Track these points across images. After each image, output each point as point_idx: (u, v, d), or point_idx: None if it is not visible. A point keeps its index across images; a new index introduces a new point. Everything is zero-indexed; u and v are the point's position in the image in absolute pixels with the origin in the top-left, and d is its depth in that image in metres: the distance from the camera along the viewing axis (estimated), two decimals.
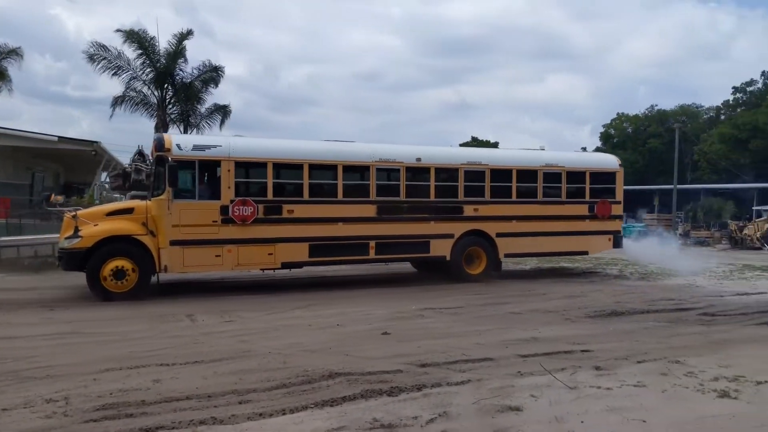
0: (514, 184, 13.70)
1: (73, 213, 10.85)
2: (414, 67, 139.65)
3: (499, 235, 13.45)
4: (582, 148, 68.26)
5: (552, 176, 14.10)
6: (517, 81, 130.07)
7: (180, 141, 11.14)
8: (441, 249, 12.94)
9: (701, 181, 50.51)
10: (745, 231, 26.73)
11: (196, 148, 11.07)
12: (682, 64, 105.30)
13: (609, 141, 63.37)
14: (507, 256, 13.94)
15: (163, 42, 27.99)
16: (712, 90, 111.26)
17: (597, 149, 63.02)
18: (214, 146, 11.22)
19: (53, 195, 13.22)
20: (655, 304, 10.43)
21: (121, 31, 27.17)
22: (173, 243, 10.76)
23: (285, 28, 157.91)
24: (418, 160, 12.88)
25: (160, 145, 10.91)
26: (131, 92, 27.87)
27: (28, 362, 6.30)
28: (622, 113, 64.92)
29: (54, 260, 14.20)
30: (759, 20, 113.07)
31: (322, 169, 12.07)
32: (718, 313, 9.58)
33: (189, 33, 28.39)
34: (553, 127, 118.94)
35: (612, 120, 65.60)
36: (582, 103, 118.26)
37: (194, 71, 28.70)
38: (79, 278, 13.40)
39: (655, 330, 8.29)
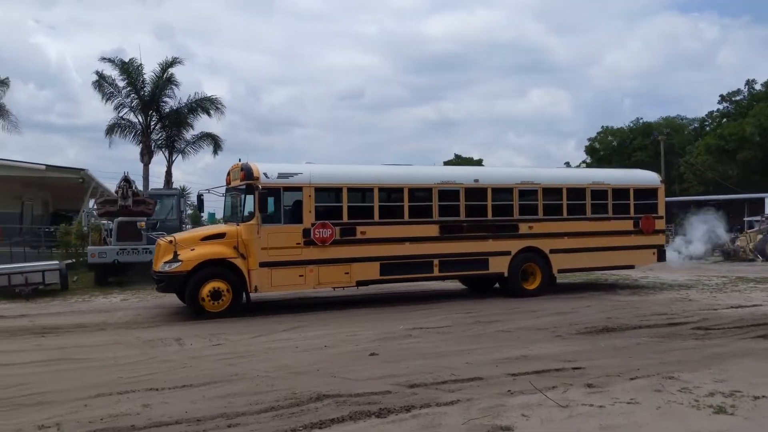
0: (564, 202, 14.20)
1: (171, 238, 11.39)
2: (395, 85, 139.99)
3: (552, 251, 13.86)
4: (565, 163, 68.30)
5: (599, 193, 14.55)
6: (499, 96, 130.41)
7: (266, 169, 11.68)
8: (499, 266, 13.38)
9: (688, 193, 49.58)
10: (738, 242, 26.61)
11: (281, 176, 11.73)
12: (665, 74, 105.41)
13: (595, 155, 63.20)
14: (560, 271, 14.31)
15: (148, 69, 28.04)
16: (697, 100, 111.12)
17: (584, 163, 63.03)
18: (296, 173, 11.92)
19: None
20: (647, 319, 10.36)
21: (111, 60, 27.30)
22: (262, 264, 11.38)
23: (261, 49, 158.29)
24: (476, 181, 13.48)
25: (249, 174, 11.48)
26: (121, 120, 27.96)
27: (20, 389, 6.25)
28: (607, 126, 64.30)
29: (43, 286, 14.81)
30: (742, 28, 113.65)
31: (390, 192, 12.79)
32: (712, 327, 9.46)
33: (175, 61, 28.25)
34: (538, 142, 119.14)
35: (597, 133, 65.15)
36: (566, 117, 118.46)
37: (182, 99, 28.76)
38: (69, 305, 13.27)
39: (648, 345, 8.20)
